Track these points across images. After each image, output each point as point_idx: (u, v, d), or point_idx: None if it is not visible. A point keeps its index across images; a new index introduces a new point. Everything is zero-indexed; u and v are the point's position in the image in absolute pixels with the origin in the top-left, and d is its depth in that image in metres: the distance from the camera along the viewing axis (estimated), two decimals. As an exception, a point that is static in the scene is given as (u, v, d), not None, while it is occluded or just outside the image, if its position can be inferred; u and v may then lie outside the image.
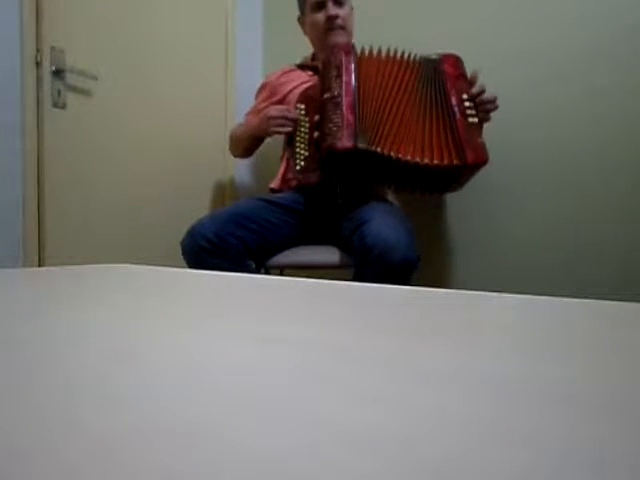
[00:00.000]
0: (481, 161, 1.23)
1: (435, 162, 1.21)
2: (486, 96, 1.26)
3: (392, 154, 1.21)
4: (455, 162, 1.21)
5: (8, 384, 0.16)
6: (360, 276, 1.11)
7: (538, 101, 1.48)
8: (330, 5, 1.43)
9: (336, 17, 1.43)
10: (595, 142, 1.41)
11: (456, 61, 1.30)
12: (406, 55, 1.30)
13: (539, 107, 1.48)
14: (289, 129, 1.37)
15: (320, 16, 1.45)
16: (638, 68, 1.36)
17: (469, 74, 1.29)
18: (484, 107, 1.26)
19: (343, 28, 1.45)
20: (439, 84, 1.26)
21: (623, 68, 1.37)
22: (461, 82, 1.27)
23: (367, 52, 1.30)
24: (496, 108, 1.29)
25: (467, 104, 1.25)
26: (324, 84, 1.28)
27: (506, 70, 1.53)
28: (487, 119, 1.30)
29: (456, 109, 1.23)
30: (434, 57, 1.30)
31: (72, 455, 0.11)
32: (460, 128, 1.22)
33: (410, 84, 1.28)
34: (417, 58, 1.31)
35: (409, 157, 1.21)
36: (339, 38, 1.44)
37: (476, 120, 1.25)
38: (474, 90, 1.26)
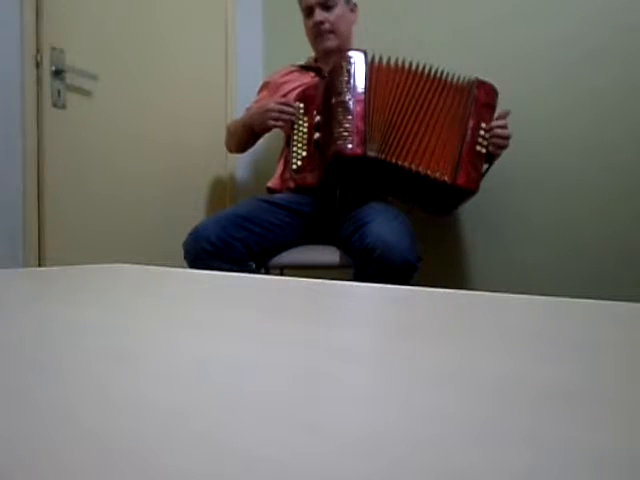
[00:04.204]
0: (470, 187, 1.22)
1: (428, 172, 1.21)
2: (501, 131, 1.25)
3: (399, 163, 1.22)
4: (445, 178, 1.21)
5: (8, 384, 0.16)
6: (360, 277, 1.11)
7: (540, 102, 1.48)
8: (317, 11, 1.42)
9: (322, 23, 1.42)
10: (597, 142, 1.41)
11: (490, 90, 1.28)
12: (421, 67, 1.28)
13: (541, 108, 1.48)
14: (285, 125, 1.36)
15: (310, 22, 1.45)
16: (638, 68, 1.36)
17: (500, 109, 1.28)
18: (494, 140, 1.25)
19: (332, 32, 1.44)
20: (466, 106, 1.25)
21: (624, 68, 1.37)
22: (486, 111, 1.26)
23: (377, 60, 1.28)
24: (506, 146, 1.27)
25: (482, 132, 1.24)
26: (333, 87, 1.26)
27: (508, 71, 1.53)
28: (495, 154, 1.28)
29: (469, 132, 1.23)
30: (471, 80, 1.28)
31: (70, 455, 0.11)
32: (464, 150, 1.22)
33: (426, 97, 1.26)
34: (447, 75, 1.29)
35: (406, 164, 1.22)
36: (328, 43, 1.44)
37: (483, 151, 1.24)
38: (494, 123, 1.25)
